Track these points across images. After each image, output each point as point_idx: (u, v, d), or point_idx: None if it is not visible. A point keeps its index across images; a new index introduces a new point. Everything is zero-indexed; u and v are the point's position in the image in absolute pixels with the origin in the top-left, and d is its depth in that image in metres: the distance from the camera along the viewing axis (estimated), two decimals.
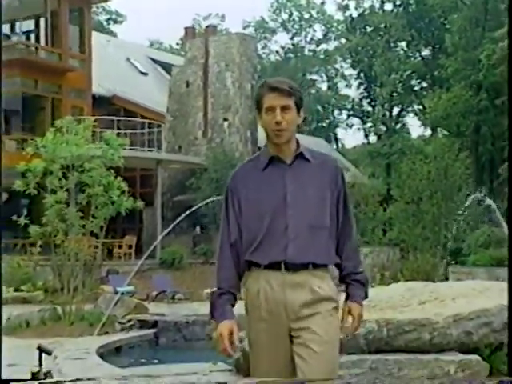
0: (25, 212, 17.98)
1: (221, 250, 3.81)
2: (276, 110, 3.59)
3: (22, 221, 15.78)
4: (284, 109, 3.59)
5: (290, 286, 3.59)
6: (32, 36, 31.06)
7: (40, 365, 6.84)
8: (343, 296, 3.85)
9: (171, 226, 16.12)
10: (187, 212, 15.47)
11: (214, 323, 3.73)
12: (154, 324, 12.68)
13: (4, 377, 7.45)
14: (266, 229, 3.63)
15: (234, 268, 3.74)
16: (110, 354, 10.08)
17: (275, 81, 3.73)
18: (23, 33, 31.04)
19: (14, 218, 16.41)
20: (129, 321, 12.83)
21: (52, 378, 6.74)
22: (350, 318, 3.71)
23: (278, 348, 3.62)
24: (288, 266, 3.59)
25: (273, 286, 3.61)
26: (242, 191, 3.73)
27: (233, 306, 3.75)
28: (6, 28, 29.83)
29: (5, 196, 26.74)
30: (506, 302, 6.05)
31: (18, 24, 30.83)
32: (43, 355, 6.94)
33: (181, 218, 15.64)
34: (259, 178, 3.72)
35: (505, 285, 7.85)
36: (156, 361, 10.30)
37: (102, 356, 9.45)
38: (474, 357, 5.64)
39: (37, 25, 30.76)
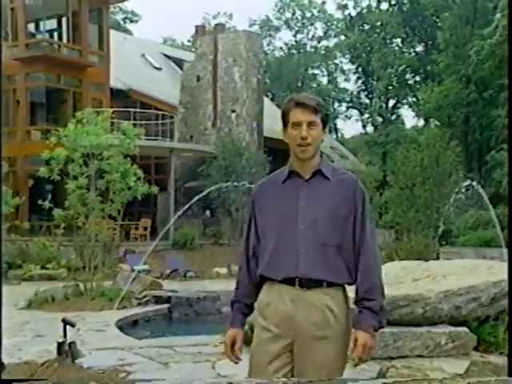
0: (49, 196, 17.99)
1: (240, 259, 3.73)
2: (302, 126, 3.43)
3: (47, 205, 15.78)
4: (310, 125, 3.44)
5: (302, 302, 3.39)
6: (55, 34, 30.97)
7: (65, 336, 6.85)
8: None
9: (183, 209, 16.15)
10: (198, 197, 15.46)
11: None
12: (168, 299, 12.77)
13: (33, 351, 7.47)
14: (276, 241, 3.47)
15: (248, 277, 3.63)
16: (127, 326, 10.16)
17: (302, 97, 3.57)
18: (47, 31, 31.01)
19: (40, 202, 16.48)
20: (145, 296, 12.91)
21: (76, 348, 6.77)
22: (355, 347, 3.38)
23: (278, 359, 3.42)
24: (302, 282, 3.40)
25: (285, 301, 3.42)
26: (262, 202, 3.60)
27: (245, 314, 3.68)
28: (31, 27, 29.88)
29: (31, 182, 26.86)
30: (492, 279, 6.06)
31: (41, 23, 30.79)
32: (67, 327, 6.95)
33: (192, 202, 15.64)
34: (277, 191, 3.56)
35: (492, 263, 7.85)
36: (170, 333, 10.32)
37: (120, 328, 9.53)
38: (463, 329, 5.64)
39: (59, 24, 30.69)
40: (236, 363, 3.57)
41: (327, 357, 3.35)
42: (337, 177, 3.53)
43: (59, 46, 30.08)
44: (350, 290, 3.56)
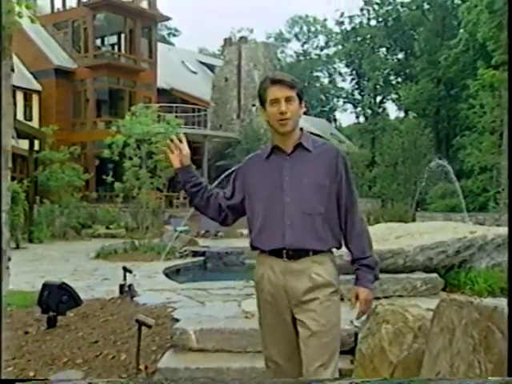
0: (111, 173, 18.09)
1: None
2: (281, 101, 2.88)
3: (109, 179, 15.90)
4: (288, 100, 2.88)
5: (290, 273, 2.92)
6: (116, 47, 31.10)
7: (124, 279, 6.92)
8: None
9: (214, 183, 16.16)
10: (226, 173, 15.43)
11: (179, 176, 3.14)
12: (203, 253, 12.80)
13: (102, 290, 7.57)
14: (264, 214, 2.96)
15: (208, 193, 3.17)
16: (172, 273, 10.20)
17: (278, 74, 3.03)
18: (110, 45, 31.14)
19: (104, 177, 16.60)
20: (185, 251, 12.95)
21: (133, 289, 6.83)
22: (357, 303, 3.00)
23: (282, 327, 2.98)
24: (289, 253, 2.91)
25: (275, 272, 2.95)
26: (248, 177, 3.08)
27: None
28: (98, 41, 30.01)
29: (97, 161, 26.97)
30: (457, 236, 6.01)
31: (106, 38, 30.94)
32: (126, 273, 7.02)
33: (221, 177, 15.63)
34: (262, 167, 3.03)
35: (456, 224, 7.81)
36: (204, 279, 10.37)
37: (166, 275, 9.58)
38: (434, 275, 5.64)
39: (119, 39, 30.76)
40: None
41: (323, 315, 2.89)
42: (318, 148, 2.99)
43: (119, 55, 30.11)
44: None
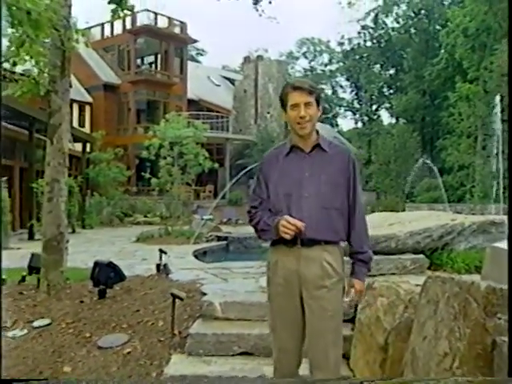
0: (148, 170, 18.18)
1: (251, 205, 2.98)
2: (300, 106, 2.71)
3: (147, 176, 15.94)
4: (307, 105, 2.71)
5: (304, 259, 2.74)
6: (153, 65, 31.22)
7: (160, 259, 6.94)
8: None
9: (235, 179, 16.19)
10: (244, 171, 15.45)
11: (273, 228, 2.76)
12: (226, 238, 12.83)
13: (141, 268, 7.62)
14: (284, 207, 2.76)
15: (263, 211, 2.87)
16: (199, 254, 10.22)
17: (298, 81, 2.81)
18: (148, 63, 31.34)
19: (142, 173, 16.65)
20: (210, 236, 12.99)
21: (168, 267, 6.80)
22: (352, 292, 2.88)
23: (291, 308, 2.79)
24: (303, 241, 2.73)
25: (290, 259, 2.76)
26: (269, 173, 2.86)
27: None
28: (138, 61, 30.04)
29: (137, 161, 27.08)
30: (440, 223, 5.95)
31: (145, 58, 31.23)
32: (162, 254, 7.04)
33: (240, 174, 15.67)
34: (282, 163, 2.83)
35: (439, 213, 7.74)
36: (227, 260, 10.38)
37: (195, 256, 9.60)
38: (421, 256, 5.59)
39: (155, 58, 30.85)
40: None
41: (329, 302, 2.75)
42: (333, 149, 2.84)
43: (155, 72, 30.20)
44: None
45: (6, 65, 4.80)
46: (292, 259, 2.76)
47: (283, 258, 2.79)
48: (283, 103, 2.81)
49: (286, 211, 2.74)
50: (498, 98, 16.57)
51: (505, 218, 6.43)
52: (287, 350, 2.86)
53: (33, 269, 6.18)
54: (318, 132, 2.86)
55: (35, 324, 4.88)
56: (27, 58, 4.73)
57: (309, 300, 2.77)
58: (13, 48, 4.59)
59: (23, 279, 6.22)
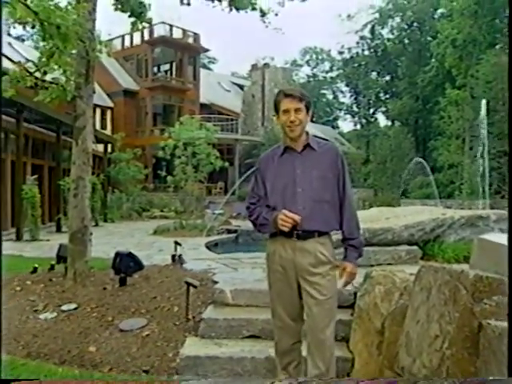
0: (164, 169, 18.23)
1: (249, 202, 3.01)
2: (291, 112, 2.78)
3: (163, 174, 16.01)
4: (297, 110, 2.78)
5: (299, 250, 2.79)
6: (168, 72, 31.21)
7: (175, 250, 6.95)
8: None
9: (243, 177, 16.17)
10: (252, 169, 15.39)
11: (271, 222, 2.81)
12: (235, 231, 12.78)
13: (158, 258, 7.65)
14: (280, 202, 2.80)
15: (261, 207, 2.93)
16: (211, 246, 10.19)
17: (289, 89, 2.87)
18: (164, 71, 31.25)
19: (159, 172, 16.70)
20: (221, 229, 12.97)
21: (182, 258, 6.77)
22: (344, 275, 2.89)
23: (289, 292, 2.85)
24: (299, 235, 2.77)
25: (286, 249, 2.81)
26: (265, 172, 2.92)
27: None
28: (155, 69, 30.05)
29: (153, 160, 27.13)
30: (432, 217, 5.94)
31: (161, 66, 31.16)
32: (177, 246, 7.04)
33: (248, 172, 15.59)
34: (277, 163, 2.88)
35: (431, 208, 7.71)
36: (237, 251, 10.38)
37: (207, 247, 9.58)
38: (415, 247, 5.59)
39: (171, 66, 30.80)
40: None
41: (324, 287, 2.78)
42: (322, 147, 2.88)
43: (170, 79, 30.18)
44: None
45: (37, 74, 4.84)
46: (288, 250, 2.81)
47: (280, 248, 2.83)
48: (276, 108, 2.87)
49: (281, 205, 2.79)
50: (483, 102, 16.53)
51: (490, 212, 6.41)
52: (287, 328, 2.91)
53: (60, 258, 6.23)
54: (307, 133, 2.91)
55: (63, 308, 4.92)
56: (56, 67, 4.77)
57: (306, 286, 2.80)
58: (44, 59, 4.63)
59: (52, 267, 6.28)
